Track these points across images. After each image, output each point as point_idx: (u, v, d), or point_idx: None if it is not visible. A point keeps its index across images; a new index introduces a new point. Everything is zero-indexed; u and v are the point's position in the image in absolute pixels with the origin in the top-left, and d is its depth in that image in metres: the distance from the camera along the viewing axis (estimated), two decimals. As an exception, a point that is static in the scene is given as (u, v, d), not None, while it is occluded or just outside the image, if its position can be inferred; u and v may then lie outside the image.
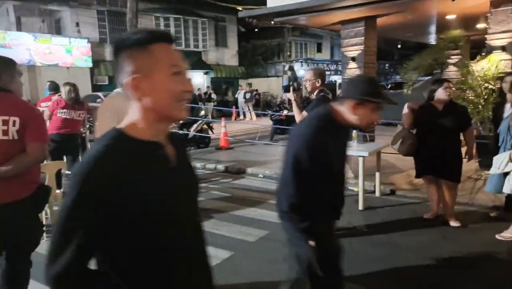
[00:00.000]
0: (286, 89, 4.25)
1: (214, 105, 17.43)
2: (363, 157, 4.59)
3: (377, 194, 5.25)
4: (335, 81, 27.82)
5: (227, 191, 5.75)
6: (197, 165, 7.45)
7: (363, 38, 8.06)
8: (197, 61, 21.25)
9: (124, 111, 1.09)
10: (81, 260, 0.99)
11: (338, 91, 22.16)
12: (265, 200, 5.18)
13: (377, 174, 5.21)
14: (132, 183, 0.98)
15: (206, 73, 22.35)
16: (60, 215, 0.98)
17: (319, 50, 31.55)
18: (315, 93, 3.80)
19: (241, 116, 17.41)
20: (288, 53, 25.34)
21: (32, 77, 15.68)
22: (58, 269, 0.96)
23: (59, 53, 15.81)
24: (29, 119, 2.21)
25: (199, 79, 22.45)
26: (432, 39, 11.84)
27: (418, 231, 3.96)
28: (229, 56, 23.63)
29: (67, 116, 5.12)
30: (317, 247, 1.93)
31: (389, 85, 18.44)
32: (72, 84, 5.28)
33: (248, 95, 17.43)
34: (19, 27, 15.91)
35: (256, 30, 27.06)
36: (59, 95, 5.46)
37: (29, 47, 15.01)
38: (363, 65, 8.14)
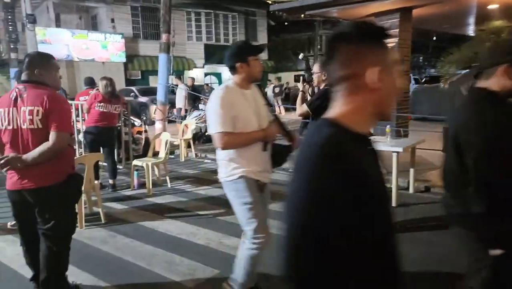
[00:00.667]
0: (295, 79, 4.08)
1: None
2: (397, 152, 4.48)
3: (411, 190, 5.12)
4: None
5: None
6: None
7: (397, 30, 7.82)
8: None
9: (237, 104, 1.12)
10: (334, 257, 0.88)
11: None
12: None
13: (411, 170, 5.08)
14: (367, 169, 0.96)
15: (236, 67, 22.46)
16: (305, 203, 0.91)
17: (350, 43, 30.96)
18: (321, 86, 3.67)
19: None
20: (319, 46, 24.98)
21: (70, 72, 16.33)
22: (308, 268, 0.89)
23: (95, 48, 16.36)
24: (52, 110, 2.36)
25: (228, 74, 22.60)
26: (471, 31, 11.31)
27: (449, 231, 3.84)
28: (259, 50, 23.61)
29: (104, 110, 5.30)
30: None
31: (424, 79, 17.80)
32: (108, 79, 5.46)
33: (277, 89, 17.38)
34: (58, 24, 16.59)
35: (286, 24, 26.87)
36: (97, 89, 5.66)
37: (67, 43, 15.62)
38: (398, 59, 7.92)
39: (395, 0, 7.05)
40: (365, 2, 7.23)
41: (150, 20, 18.60)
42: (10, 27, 12.97)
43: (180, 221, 4.25)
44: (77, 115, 6.28)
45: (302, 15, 19.90)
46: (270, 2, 17.53)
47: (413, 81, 16.69)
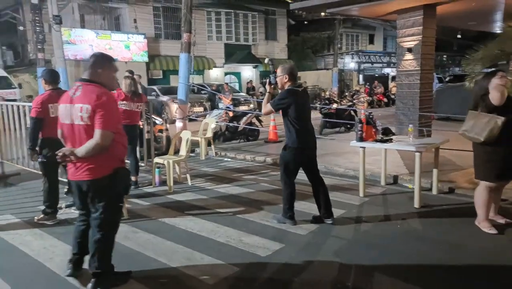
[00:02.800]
0: (262, 83, 4.50)
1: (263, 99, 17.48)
2: (420, 152, 4.39)
3: (434, 191, 5.01)
4: (388, 74, 26.76)
5: (277, 183, 5.77)
6: (247, 157, 7.56)
7: (421, 28, 7.65)
8: (246, 55, 21.43)
9: None
10: None
11: (391, 84, 21.33)
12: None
13: (435, 171, 4.97)
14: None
15: (255, 66, 22.47)
16: None
17: (371, 41, 30.49)
18: (286, 88, 3.96)
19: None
20: (339, 45, 24.71)
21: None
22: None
23: (118, 48, 16.70)
24: (98, 107, 2.53)
25: (248, 73, 22.64)
26: (498, 28, 10.94)
27: (478, 232, 3.73)
28: (279, 49, 23.56)
29: (127, 108, 5.40)
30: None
31: (447, 78, 17.34)
32: (132, 78, 5.57)
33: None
34: (82, 25, 17.02)
35: (305, 23, 26.70)
36: (119, 88, 5.78)
37: (91, 43, 16.01)
38: (421, 57, 7.74)
39: (419, -3, 6.88)
40: (387, -1, 7.09)
41: (172, 20, 18.84)
42: (38, 28, 13.38)
43: (200, 218, 4.29)
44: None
45: (323, 14, 19.74)
46: (290, 1, 17.44)
47: (436, 80, 16.29)
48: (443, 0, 7.19)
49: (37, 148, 4.12)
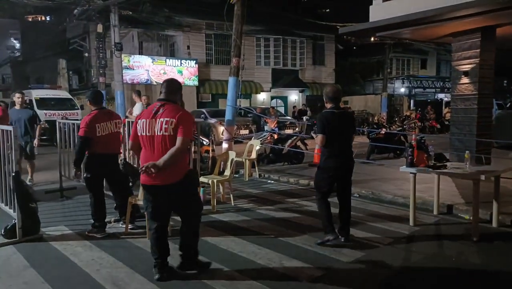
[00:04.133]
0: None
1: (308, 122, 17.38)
2: (478, 180, 4.08)
3: (494, 224, 4.59)
4: (441, 99, 25.61)
5: (321, 208, 5.62)
6: (290, 180, 7.48)
7: (478, 50, 7.29)
8: (293, 79, 21.62)
9: None
10: None
11: (445, 110, 20.34)
12: (361, 220, 4.93)
13: (495, 202, 4.57)
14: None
15: (301, 91, 22.56)
16: None
17: (423, 66, 29.54)
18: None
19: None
20: (389, 70, 24.19)
21: (149, 95, 17.67)
22: None
23: (171, 73, 17.59)
24: (181, 121, 3.09)
25: (294, 97, 22.76)
26: None
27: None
28: (326, 74, 23.54)
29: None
30: None
31: (508, 105, 16.21)
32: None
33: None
34: (140, 51, 18.20)
35: (354, 48, 26.55)
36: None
37: (147, 68, 17.02)
38: (478, 80, 7.33)
39: (477, 19, 6.59)
40: (442, 22, 6.86)
41: (222, 46, 19.59)
42: (101, 54, 14.52)
43: (242, 239, 4.26)
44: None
45: (372, 38, 19.53)
46: (338, 26, 17.51)
47: (495, 107, 15.29)
48: (504, 21, 6.83)
49: (81, 166, 4.42)
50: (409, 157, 4.53)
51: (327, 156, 4.03)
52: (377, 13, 7.87)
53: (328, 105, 4.13)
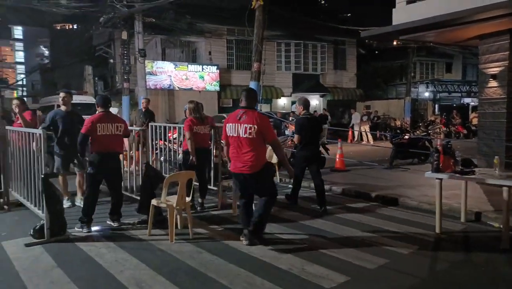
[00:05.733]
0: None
1: (329, 127, 17.26)
2: (508, 187, 3.93)
3: (526, 233, 4.40)
4: (468, 103, 24.86)
5: (343, 213, 5.55)
6: (311, 185, 7.39)
7: (507, 53, 7.05)
8: (314, 84, 21.49)
9: None
10: None
11: (471, 115, 19.74)
12: (384, 226, 4.83)
13: (526, 209, 4.38)
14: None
15: (322, 96, 22.40)
16: None
17: (448, 70, 28.79)
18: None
19: (356, 138, 16.83)
20: (412, 74, 23.70)
21: (171, 100, 17.98)
22: None
23: (193, 79, 17.82)
24: (261, 128, 3.97)
25: (315, 102, 22.63)
26: None
27: None
28: (347, 78, 23.29)
29: (199, 132, 5.58)
30: None
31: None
32: (195, 103, 5.71)
33: (365, 118, 16.82)
34: (163, 57, 18.52)
35: (376, 52, 26.18)
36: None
37: (170, 74, 17.30)
38: (507, 84, 7.08)
39: (505, 20, 6.38)
40: (468, 23, 6.68)
41: (243, 52, 19.71)
42: (125, 61, 14.87)
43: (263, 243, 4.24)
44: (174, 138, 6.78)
45: (395, 42, 19.21)
46: (360, 30, 17.32)
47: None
48: (534, 22, 6.59)
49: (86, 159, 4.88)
50: (435, 162, 4.41)
51: (300, 148, 5.74)
52: (400, 16, 7.75)
53: (302, 112, 5.62)
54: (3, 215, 5.46)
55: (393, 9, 8.06)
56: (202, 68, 18.18)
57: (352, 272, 3.49)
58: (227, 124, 4.13)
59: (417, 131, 12.00)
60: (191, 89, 17.72)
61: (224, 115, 15.65)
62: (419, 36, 8.18)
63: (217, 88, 18.65)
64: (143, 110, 8.08)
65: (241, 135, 3.97)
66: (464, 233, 4.62)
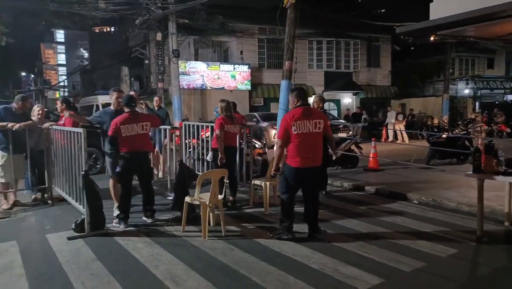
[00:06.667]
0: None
1: (364, 126, 16.91)
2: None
3: None
4: (511, 101, 23.54)
5: (376, 214, 5.42)
6: (344, 184, 7.29)
7: (556, 46, 6.61)
8: (347, 82, 21.11)
9: None
10: None
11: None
12: (420, 228, 4.68)
13: None
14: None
15: (355, 94, 21.96)
16: None
17: (490, 66, 27.39)
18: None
19: (391, 138, 16.38)
20: (451, 70, 22.73)
21: (204, 99, 18.26)
22: None
23: (225, 78, 18.01)
24: (326, 121, 4.33)
25: (347, 100, 22.23)
26: None
27: None
28: (381, 76, 22.70)
29: (230, 131, 5.67)
30: None
31: None
32: (226, 101, 5.77)
33: (400, 116, 16.34)
34: (196, 57, 18.83)
35: (412, 48, 25.30)
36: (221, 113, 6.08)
37: (202, 74, 17.57)
38: (556, 79, 6.64)
39: (553, 12, 5.98)
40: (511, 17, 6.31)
41: (274, 50, 19.67)
42: (159, 61, 15.26)
43: (294, 242, 4.23)
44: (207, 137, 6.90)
45: (432, 38, 18.48)
46: (395, 27, 16.83)
47: None
48: None
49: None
50: (476, 162, 4.22)
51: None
52: (438, 10, 7.44)
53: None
54: (47, 209, 5.78)
55: (430, 4, 7.76)
56: (234, 68, 18.32)
57: (387, 274, 3.41)
58: (294, 123, 4.14)
59: (456, 130, 11.49)
60: (223, 88, 17.91)
61: (256, 114, 15.75)
62: (458, 31, 7.81)
63: (249, 87, 18.73)
64: (156, 108, 7.86)
65: (311, 130, 4.17)
66: (507, 237, 4.39)
